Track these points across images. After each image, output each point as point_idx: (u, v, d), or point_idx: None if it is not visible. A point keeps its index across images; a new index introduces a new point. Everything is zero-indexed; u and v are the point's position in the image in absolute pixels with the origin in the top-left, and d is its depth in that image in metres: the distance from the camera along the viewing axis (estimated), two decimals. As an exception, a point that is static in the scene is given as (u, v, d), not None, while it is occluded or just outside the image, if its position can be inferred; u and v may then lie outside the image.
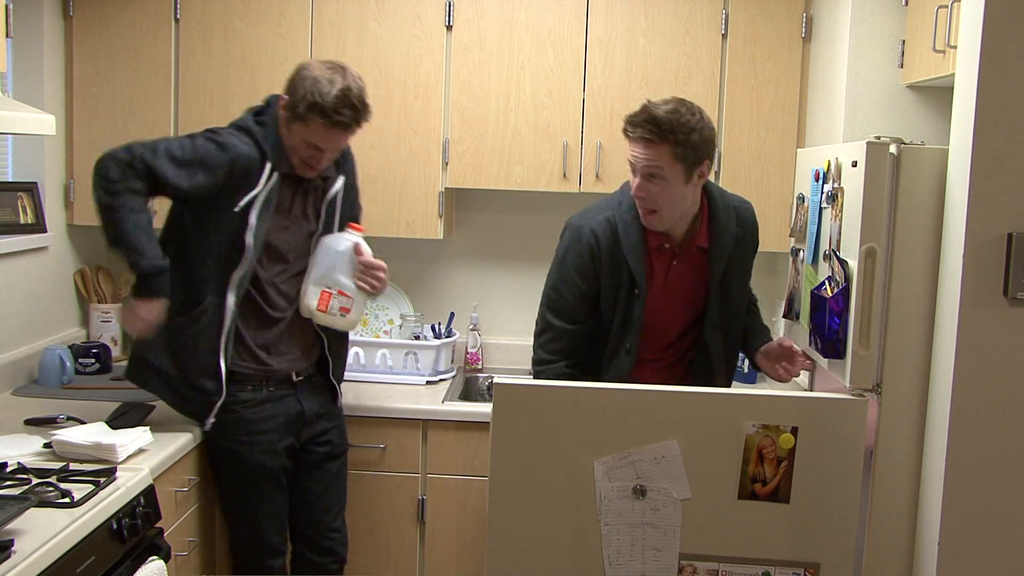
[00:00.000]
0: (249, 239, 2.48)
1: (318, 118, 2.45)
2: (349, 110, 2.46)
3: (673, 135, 2.28)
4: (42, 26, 3.20)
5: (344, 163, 2.72)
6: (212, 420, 2.55)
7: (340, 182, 2.68)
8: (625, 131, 2.35)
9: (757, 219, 2.66)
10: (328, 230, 2.66)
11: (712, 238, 2.48)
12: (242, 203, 2.48)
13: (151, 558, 2.21)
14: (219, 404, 2.54)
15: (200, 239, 2.49)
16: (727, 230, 2.49)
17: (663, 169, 2.31)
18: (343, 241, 2.62)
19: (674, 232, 2.48)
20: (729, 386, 2.69)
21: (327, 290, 2.58)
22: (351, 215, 2.75)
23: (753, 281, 3.63)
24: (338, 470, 2.80)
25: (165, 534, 2.34)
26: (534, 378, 2.54)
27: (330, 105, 2.43)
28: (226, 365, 2.51)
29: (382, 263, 2.65)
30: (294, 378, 2.65)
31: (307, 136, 2.49)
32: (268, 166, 2.50)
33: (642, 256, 2.44)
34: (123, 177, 2.34)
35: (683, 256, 2.50)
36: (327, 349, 2.71)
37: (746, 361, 3.47)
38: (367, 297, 2.69)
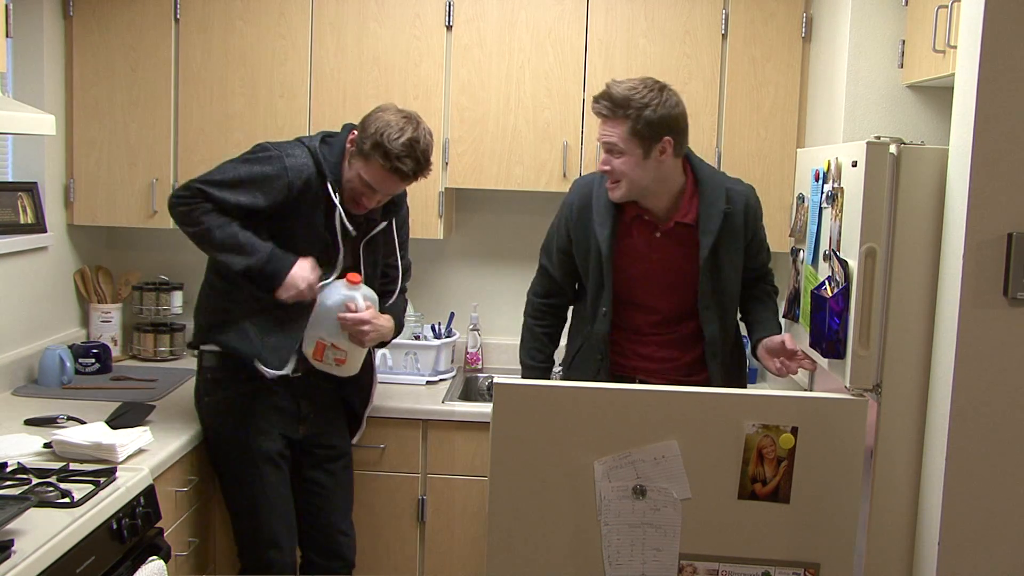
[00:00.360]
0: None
1: (379, 159, 2.47)
2: (411, 160, 2.49)
3: (624, 111, 2.40)
4: (42, 26, 3.20)
5: (393, 210, 2.72)
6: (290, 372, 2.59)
7: (382, 226, 2.69)
8: (592, 108, 2.50)
9: (760, 204, 2.68)
10: (356, 269, 2.65)
11: (699, 215, 2.53)
12: (321, 226, 2.54)
13: (151, 558, 2.21)
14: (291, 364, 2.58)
15: (290, 245, 2.55)
16: (714, 207, 2.53)
17: (619, 144, 2.43)
18: (335, 294, 2.58)
19: (654, 207, 2.55)
20: (735, 372, 2.71)
21: (321, 341, 2.59)
22: (389, 263, 2.76)
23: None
24: (342, 471, 2.80)
25: (165, 534, 2.34)
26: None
27: (395, 151, 2.46)
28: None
29: (362, 318, 2.56)
30: (291, 375, 2.64)
31: (365, 173, 2.51)
32: (328, 186, 2.53)
33: (607, 221, 2.54)
34: (191, 210, 2.47)
35: (667, 231, 2.55)
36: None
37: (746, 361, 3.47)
38: (364, 348, 2.65)
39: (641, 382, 2.63)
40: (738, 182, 2.66)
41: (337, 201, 2.54)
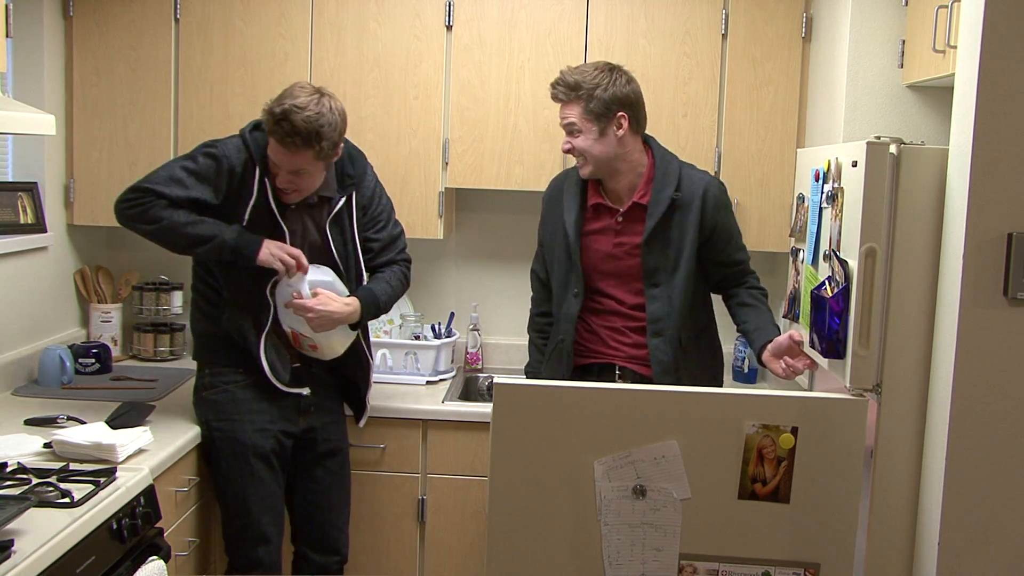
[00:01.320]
0: None
1: (269, 129, 2.50)
2: (287, 124, 2.43)
3: (576, 92, 2.59)
4: (42, 26, 3.20)
5: (349, 184, 2.72)
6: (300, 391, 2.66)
7: (342, 202, 2.68)
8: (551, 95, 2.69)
9: (725, 197, 2.71)
10: (337, 248, 2.68)
11: (649, 196, 2.65)
12: (246, 214, 2.55)
13: (151, 558, 2.21)
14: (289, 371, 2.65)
15: None
16: (663, 192, 2.64)
17: (576, 124, 2.61)
18: (285, 290, 2.59)
19: (617, 187, 2.69)
20: (695, 360, 2.71)
21: (292, 330, 2.63)
22: (368, 237, 2.75)
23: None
24: (340, 468, 2.80)
25: (165, 534, 2.34)
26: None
27: (275, 118, 2.45)
28: (267, 364, 2.61)
29: (305, 304, 2.54)
30: (292, 364, 2.66)
31: (269, 149, 2.54)
32: (258, 172, 2.55)
33: (573, 207, 2.71)
34: (146, 209, 2.48)
35: (625, 213, 2.68)
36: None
37: (746, 361, 3.48)
38: (332, 330, 2.64)
39: (604, 368, 2.73)
40: (695, 170, 2.72)
41: (268, 183, 2.56)
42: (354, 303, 2.64)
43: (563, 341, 2.73)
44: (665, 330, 2.65)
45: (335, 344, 2.67)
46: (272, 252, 2.53)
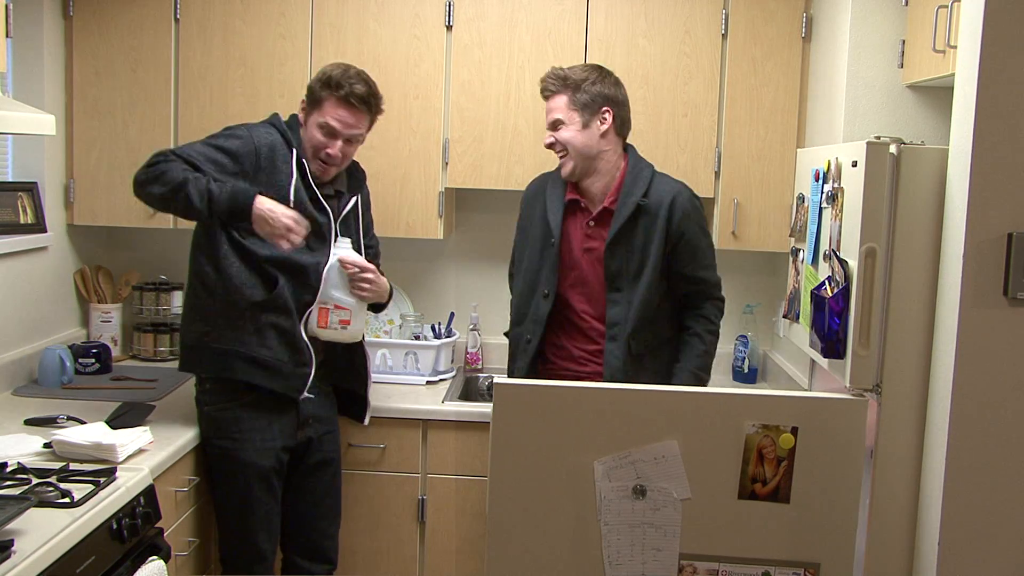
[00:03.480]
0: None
1: (332, 93, 2.57)
2: (362, 84, 2.60)
3: (564, 82, 2.68)
4: (42, 26, 3.20)
5: (357, 186, 2.79)
6: (308, 394, 2.62)
7: (353, 201, 2.74)
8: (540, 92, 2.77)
9: (696, 209, 2.69)
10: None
11: (617, 200, 2.68)
12: (291, 194, 2.54)
13: (151, 558, 2.21)
14: (312, 374, 2.61)
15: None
16: (631, 196, 2.66)
17: (562, 116, 2.68)
18: (329, 258, 2.63)
19: (591, 187, 2.73)
20: (650, 368, 2.68)
21: (324, 306, 2.62)
22: (367, 244, 2.79)
23: (753, 281, 3.65)
24: (332, 478, 2.81)
25: (165, 534, 2.34)
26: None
27: (345, 80, 2.58)
28: (308, 337, 2.60)
29: (367, 266, 2.64)
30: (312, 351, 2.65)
31: (323, 116, 2.58)
32: (295, 153, 2.58)
33: (558, 209, 2.74)
34: (163, 165, 2.42)
35: (596, 217, 2.71)
36: (349, 359, 2.77)
37: (746, 361, 3.48)
38: (365, 306, 2.70)
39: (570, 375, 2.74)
40: (667, 179, 2.73)
41: (306, 165, 2.59)
42: (387, 283, 2.75)
43: (530, 342, 2.74)
44: (619, 335, 2.64)
45: (362, 319, 2.71)
46: (283, 211, 2.45)
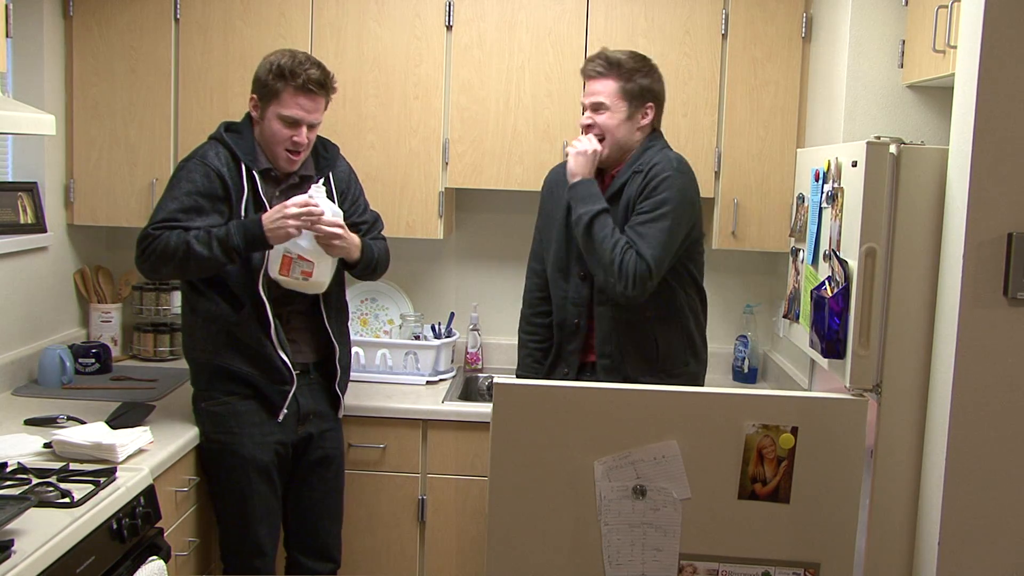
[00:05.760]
0: None
1: (289, 83, 2.54)
2: (315, 69, 2.56)
3: (618, 70, 2.61)
4: (42, 26, 3.20)
5: (325, 165, 2.73)
6: (284, 411, 2.62)
7: (321, 181, 2.68)
8: (583, 70, 2.69)
9: (661, 170, 2.57)
10: None
11: (619, 171, 2.66)
12: (242, 210, 2.54)
13: (151, 558, 2.21)
14: (291, 393, 2.61)
15: None
16: (631, 165, 2.64)
17: (606, 101, 2.61)
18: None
19: (605, 168, 2.69)
20: (639, 340, 2.65)
21: (288, 254, 2.56)
22: (354, 221, 2.73)
23: (753, 281, 3.64)
24: (335, 476, 2.80)
25: (165, 534, 2.34)
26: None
27: (296, 67, 2.53)
28: (286, 355, 2.59)
29: (335, 229, 2.55)
30: (293, 370, 2.65)
31: (280, 110, 2.55)
32: (244, 167, 2.57)
33: None
34: (156, 243, 2.45)
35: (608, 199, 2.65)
36: (335, 350, 2.74)
37: (746, 361, 3.47)
38: (332, 260, 2.63)
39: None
40: (672, 153, 2.66)
41: (256, 175, 2.57)
42: (359, 240, 2.66)
43: (578, 325, 2.67)
44: (608, 302, 2.63)
45: (327, 272, 2.62)
46: (280, 211, 2.47)
